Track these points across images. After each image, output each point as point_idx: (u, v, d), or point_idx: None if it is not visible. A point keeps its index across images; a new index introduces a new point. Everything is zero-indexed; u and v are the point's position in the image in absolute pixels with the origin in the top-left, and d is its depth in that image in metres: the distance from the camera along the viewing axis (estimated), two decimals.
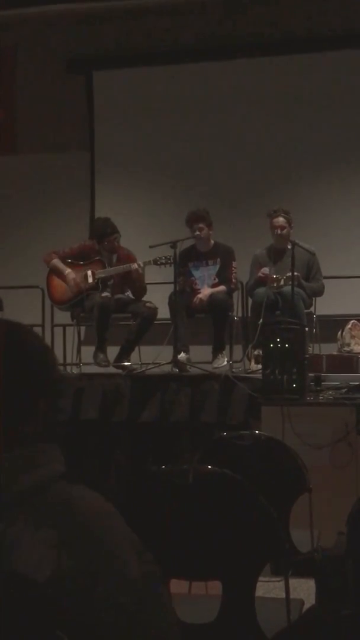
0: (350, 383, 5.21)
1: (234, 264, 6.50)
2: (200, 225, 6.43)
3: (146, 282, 6.63)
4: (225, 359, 6.31)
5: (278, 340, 4.93)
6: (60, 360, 7.22)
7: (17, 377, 1.25)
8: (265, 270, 6.28)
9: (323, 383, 5.31)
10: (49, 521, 1.22)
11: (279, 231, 6.39)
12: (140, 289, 6.48)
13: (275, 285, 6.18)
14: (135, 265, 6.33)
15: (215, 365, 6.21)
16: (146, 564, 1.27)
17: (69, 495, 1.26)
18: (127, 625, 1.22)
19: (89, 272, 6.42)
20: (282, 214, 6.40)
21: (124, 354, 6.35)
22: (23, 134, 8.64)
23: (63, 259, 6.51)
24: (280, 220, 6.39)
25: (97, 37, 8.37)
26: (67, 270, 6.45)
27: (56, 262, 6.50)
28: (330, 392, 5.10)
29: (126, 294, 6.54)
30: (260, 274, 6.30)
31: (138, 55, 8.30)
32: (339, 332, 6.54)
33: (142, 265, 6.35)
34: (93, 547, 1.23)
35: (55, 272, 6.52)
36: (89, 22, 8.36)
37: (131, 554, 1.26)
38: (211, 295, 6.34)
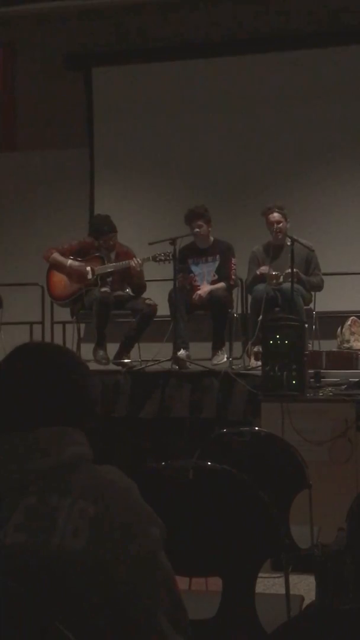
0: (350, 379, 5.22)
1: (234, 260, 6.50)
2: (199, 222, 6.43)
3: (146, 279, 6.63)
4: (225, 356, 6.31)
5: (278, 336, 4.92)
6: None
7: (54, 376, 1.49)
8: (264, 269, 6.28)
9: (323, 379, 5.31)
10: (84, 494, 1.36)
11: (275, 226, 6.39)
12: (139, 286, 6.48)
13: (274, 282, 6.18)
14: (133, 262, 6.33)
15: (215, 362, 6.21)
16: (161, 525, 1.43)
17: (100, 471, 1.42)
18: (147, 590, 1.35)
19: (88, 269, 6.41)
20: (276, 210, 6.40)
21: (124, 351, 6.35)
22: (22, 131, 8.64)
23: (63, 256, 6.51)
24: (276, 215, 6.39)
25: (96, 34, 8.37)
26: (69, 261, 6.45)
27: (56, 255, 6.50)
28: (329, 389, 5.10)
29: (126, 290, 6.54)
30: (258, 273, 6.31)
31: (137, 51, 8.29)
32: (339, 329, 6.54)
33: (140, 262, 6.35)
34: (121, 518, 1.36)
35: (55, 266, 6.51)
36: (88, 18, 8.35)
37: (150, 524, 1.40)
38: (210, 292, 6.34)
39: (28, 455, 1.37)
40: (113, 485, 1.40)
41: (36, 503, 1.34)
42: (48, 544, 1.30)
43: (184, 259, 6.47)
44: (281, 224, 6.37)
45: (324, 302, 6.80)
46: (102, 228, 6.49)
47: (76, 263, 6.43)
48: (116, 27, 8.32)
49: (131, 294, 6.50)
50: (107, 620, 1.30)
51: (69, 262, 6.45)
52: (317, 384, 5.19)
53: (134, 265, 6.32)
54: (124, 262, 6.37)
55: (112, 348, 6.38)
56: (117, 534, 1.34)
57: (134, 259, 6.35)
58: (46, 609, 1.26)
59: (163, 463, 2.27)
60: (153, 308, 6.28)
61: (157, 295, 6.43)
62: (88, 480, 1.38)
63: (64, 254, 6.52)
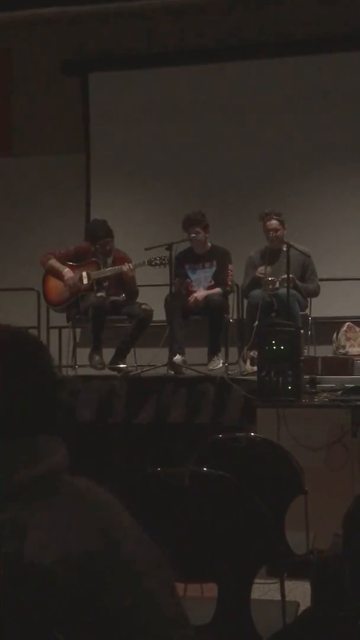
0: (346, 385, 5.21)
1: (230, 266, 6.51)
2: (197, 229, 6.43)
3: (143, 284, 6.64)
4: (221, 361, 6.31)
5: (273, 342, 4.93)
6: (56, 362, 7.21)
7: (18, 374, 1.31)
8: (262, 269, 6.29)
9: (318, 385, 5.31)
10: (57, 507, 1.27)
11: (272, 234, 6.40)
12: (131, 291, 6.48)
13: (270, 287, 6.19)
14: (125, 267, 6.33)
15: (211, 367, 6.21)
16: (151, 552, 1.32)
17: (76, 484, 1.31)
18: (130, 610, 1.26)
19: (84, 274, 6.42)
20: (275, 217, 6.41)
21: (120, 356, 6.35)
22: (19, 136, 8.64)
23: (60, 261, 6.51)
24: (274, 223, 6.41)
25: (93, 39, 8.38)
26: (65, 269, 6.45)
27: (53, 261, 6.50)
28: (325, 394, 5.10)
29: (121, 296, 6.54)
30: (257, 274, 6.31)
31: (133, 57, 8.31)
32: (334, 334, 6.55)
33: (132, 267, 6.35)
34: (98, 533, 1.26)
35: (52, 272, 6.51)
36: (85, 24, 8.36)
37: (136, 542, 1.30)
38: (207, 297, 6.34)
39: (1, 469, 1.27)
40: (89, 499, 1.31)
41: (9, 518, 1.25)
42: (19, 561, 1.22)
43: (181, 264, 6.47)
44: (279, 232, 6.39)
45: (320, 307, 6.81)
46: (98, 233, 6.49)
47: (71, 273, 6.42)
48: (113, 32, 8.33)
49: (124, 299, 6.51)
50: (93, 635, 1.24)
51: (65, 270, 6.45)
52: (313, 390, 5.19)
53: (125, 270, 6.33)
54: (116, 268, 6.38)
55: (108, 353, 6.38)
56: (92, 551, 1.25)
57: (126, 264, 6.36)
58: (29, 625, 1.21)
59: (159, 469, 2.27)
60: (149, 313, 6.28)
61: (153, 301, 6.43)
62: (63, 493, 1.29)
63: (61, 259, 6.52)
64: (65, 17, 8.33)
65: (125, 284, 6.45)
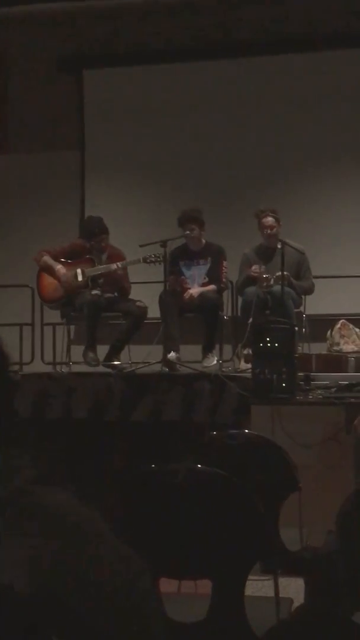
0: (340, 382, 5.23)
1: (225, 263, 6.51)
2: (192, 225, 6.43)
3: (137, 281, 6.64)
4: (215, 358, 6.32)
5: (268, 339, 4.94)
6: (50, 359, 7.22)
7: None
8: (256, 267, 6.30)
9: (312, 382, 5.32)
10: (25, 531, 1.14)
11: (268, 231, 6.41)
12: (122, 289, 6.48)
13: (265, 284, 6.20)
14: (114, 267, 6.34)
15: (205, 365, 6.22)
16: (131, 567, 1.21)
17: (43, 501, 1.18)
18: (110, 629, 1.17)
19: (79, 271, 6.41)
20: (270, 214, 6.42)
21: (114, 353, 6.35)
22: (13, 133, 8.63)
23: (54, 258, 6.51)
24: (270, 220, 6.41)
25: (88, 36, 8.37)
26: (58, 266, 6.44)
27: (47, 259, 6.49)
28: (319, 392, 5.12)
29: (114, 293, 6.54)
30: (251, 272, 6.32)
31: (128, 54, 8.30)
32: (329, 332, 6.56)
33: (119, 265, 6.35)
34: (71, 554, 1.16)
35: (45, 269, 6.50)
36: (80, 20, 8.35)
37: (113, 559, 1.20)
38: (201, 295, 6.34)
39: None
40: (59, 519, 1.17)
41: None
42: None
43: (176, 261, 6.47)
44: (274, 229, 6.40)
45: (314, 305, 6.82)
46: (93, 229, 6.49)
47: (63, 270, 6.41)
48: (108, 29, 8.32)
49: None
50: None
51: (58, 267, 6.43)
52: (307, 387, 5.21)
53: (114, 268, 6.34)
54: (106, 266, 6.39)
55: (102, 350, 6.38)
56: (65, 580, 1.14)
57: (114, 263, 6.36)
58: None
59: (153, 466, 2.28)
60: (143, 310, 6.28)
61: (148, 298, 6.43)
62: (30, 514, 1.15)
63: (56, 256, 6.51)
64: (61, 14, 8.32)
65: (116, 282, 6.45)
